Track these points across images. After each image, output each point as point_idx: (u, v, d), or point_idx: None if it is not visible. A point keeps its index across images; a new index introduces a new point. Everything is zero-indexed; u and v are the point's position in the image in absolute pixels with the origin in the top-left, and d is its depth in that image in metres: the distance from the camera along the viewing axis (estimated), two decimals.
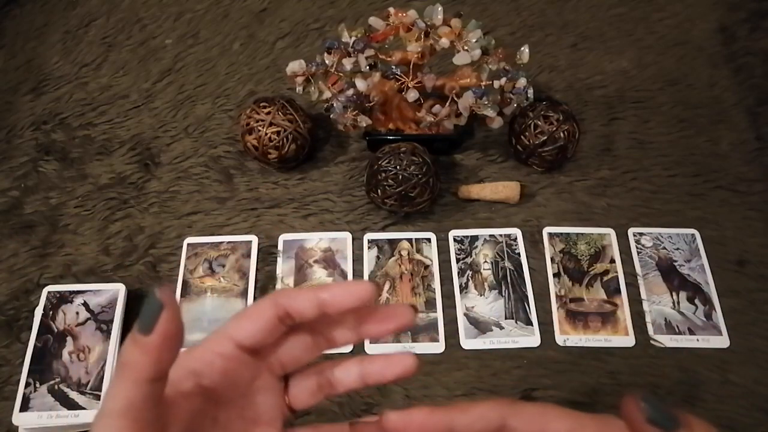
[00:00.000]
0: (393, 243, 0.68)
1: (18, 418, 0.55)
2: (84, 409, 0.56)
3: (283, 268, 0.66)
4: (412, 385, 0.59)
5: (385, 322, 0.31)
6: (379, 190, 0.65)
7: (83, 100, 0.80)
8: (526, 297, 0.64)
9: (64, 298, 0.62)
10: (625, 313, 0.63)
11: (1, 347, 0.62)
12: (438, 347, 0.62)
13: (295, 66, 0.65)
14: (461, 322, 0.63)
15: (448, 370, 0.60)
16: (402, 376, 0.31)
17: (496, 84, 0.64)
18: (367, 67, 0.63)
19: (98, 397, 0.56)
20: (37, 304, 0.62)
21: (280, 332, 0.30)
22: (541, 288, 0.65)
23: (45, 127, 0.78)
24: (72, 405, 0.56)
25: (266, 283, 0.65)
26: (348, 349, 0.61)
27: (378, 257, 0.67)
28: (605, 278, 0.65)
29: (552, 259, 0.66)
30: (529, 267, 0.66)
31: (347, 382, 0.32)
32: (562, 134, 0.68)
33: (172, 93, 0.81)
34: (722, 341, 0.62)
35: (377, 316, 0.31)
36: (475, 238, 0.68)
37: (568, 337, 0.62)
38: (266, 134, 0.67)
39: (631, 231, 0.68)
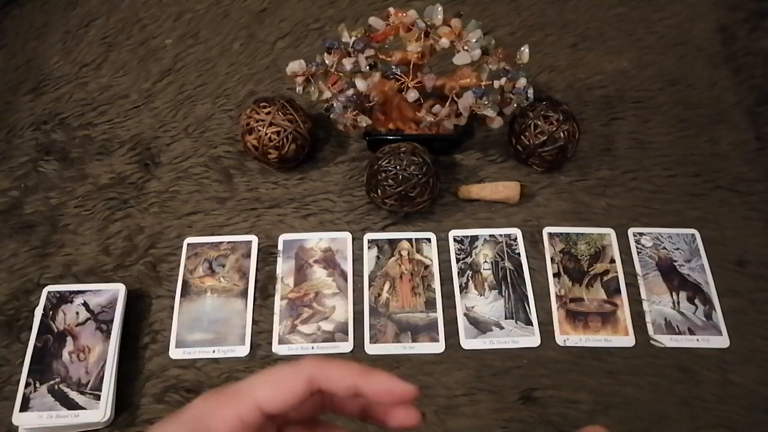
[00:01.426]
0: (393, 243, 0.68)
1: (18, 418, 0.55)
2: (84, 409, 0.56)
3: (283, 268, 0.66)
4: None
5: (391, 419, 0.30)
6: (379, 190, 0.65)
7: (83, 100, 0.80)
8: (526, 297, 0.64)
9: (64, 298, 0.62)
10: (625, 313, 0.63)
11: (1, 347, 0.62)
12: (438, 347, 0.62)
13: (295, 66, 0.65)
14: (461, 322, 0.63)
15: (448, 370, 0.60)
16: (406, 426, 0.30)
17: (496, 84, 0.64)
18: (367, 67, 0.63)
19: (98, 397, 0.56)
20: (37, 304, 0.62)
21: (303, 404, 0.28)
22: (541, 288, 0.65)
23: (45, 127, 0.78)
24: (72, 405, 0.56)
25: (266, 283, 0.65)
26: (349, 348, 0.61)
27: (378, 257, 0.67)
28: (605, 278, 0.65)
29: (552, 259, 0.66)
30: (529, 267, 0.66)
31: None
32: (562, 134, 0.68)
33: (172, 93, 0.81)
34: (722, 341, 0.62)
35: (389, 412, 0.30)
36: (475, 238, 0.68)
37: (568, 337, 0.62)
38: (266, 134, 0.67)
39: (631, 231, 0.68)
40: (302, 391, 0.27)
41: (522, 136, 0.69)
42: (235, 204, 0.71)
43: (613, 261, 0.66)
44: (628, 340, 0.62)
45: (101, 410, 0.56)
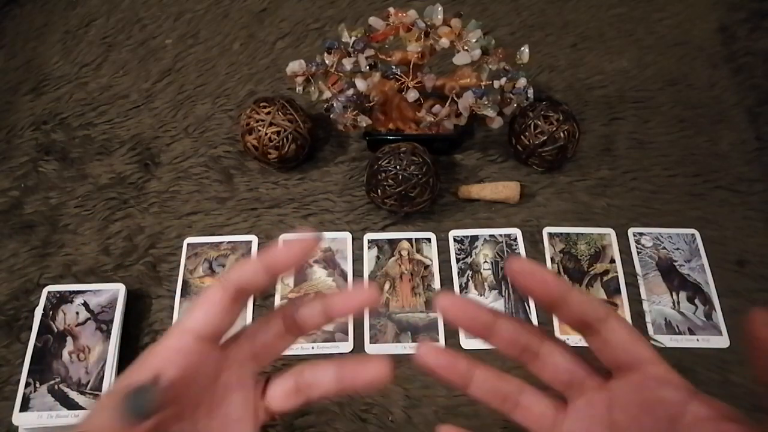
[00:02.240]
0: (393, 243, 0.68)
1: (18, 418, 0.55)
2: (84, 409, 0.56)
3: None
4: (413, 385, 0.59)
5: (349, 303, 0.31)
6: (379, 190, 0.65)
7: (83, 100, 0.80)
8: (526, 297, 0.64)
9: (64, 298, 0.62)
10: (625, 313, 0.63)
11: (1, 347, 0.62)
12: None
13: (295, 66, 0.65)
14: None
15: None
16: (376, 381, 0.31)
17: (496, 84, 0.64)
18: (367, 67, 0.63)
19: (98, 397, 0.56)
20: (37, 304, 0.62)
21: (237, 313, 0.30)
22: None
23: (45, 127, 0.78)
24: (72, 405, 0.56)
25: None
26: (349, 348, 0.61)
27: (378, 257, 0.67)
28: (605, 278, 0.65)
29: (552, 259, 0.66)
30: None
31: (323, 384, 0.32)
32: (562, 134, 0.68)
33: (172, 93, 0.81)
34: (722, 341, 0.62)
35: (342, 296, 0.31)
36: (475, 238, 0.68)
37: (569, 337, 0.62)
38: (266, 134, 0.67)
39: (631, 231, 0.68)
40: (219, 298, 0.29)
41: (522, 136, 0.69)
42: (235, 204, 0.71)
43: (613, 261, 0.66)
44: None
45: None
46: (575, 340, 0.62)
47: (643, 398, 0.27)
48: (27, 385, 0.57)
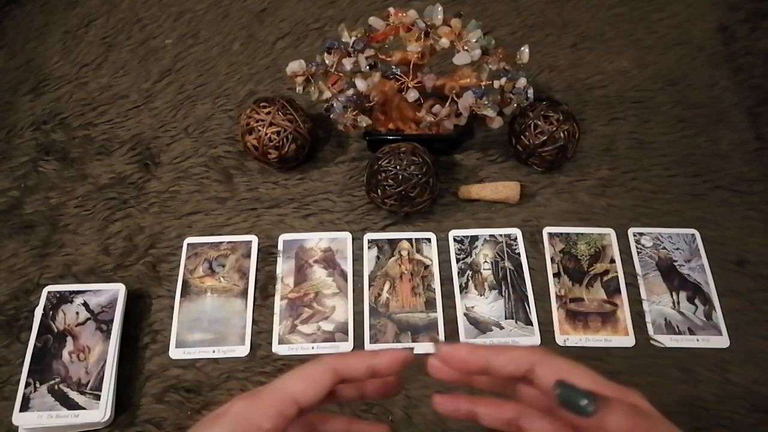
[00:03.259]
0: (393, 243, 0.68)
1: (18, 418, 0.55)
2: (84, 409, 0.56)
3: (283, 268, 0.66)
4: (413, 385, 0.59)
5: (379, 390, 0.36)
6: (379, 190, 0.65)
7: (83, 100, 0.80)
8: (526, 297, 0.64)
9: (64, 298, 0.62)
10: (625, 313, 0.63)
11: (1, 347, 0.62)
12: None
13: (295, 66, 0.65)
14: (461, 322, 0.63)
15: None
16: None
17: (496, 84, 0.64)
18: (367, 67, 0.63)
19: (98, 397, 0.56)
20: (37, 304, 0.62)
21: (326, 394, 0.32)
22: (541, 288, 0.65)
23: (45, 127, 0.78)
24: (72, 405, 0.56)
25: (266, 283, 0.65)
26: (349, 347, 0.61)
27: (378, 257, 0.67)
28: (605, 278, 0.65)
29: (552, 259, 0.66)
30: (529, 267, 0.66)
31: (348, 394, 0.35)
32: (562, 134, 0.68)
33: (172, 93, 0.81)
34: (722, 341, 0.62)
35: (377, 384, 0.36)
36: (475, 238, 0.68)
37: (568, 337, 0.62)
38: (266, 134, 0.67)
39: (631, 231, 0.68)
40: (330, 382, 0.31)
41: (522, 136, 0.69)
42: (235, 204, 0.71)
43: (613, 261, 0.66)
44: (628, 340, 0.62)
45: (101, 410, 0.56)
46: (575, 339, 0.62)
47: None
48: (27, 385, 0.57)
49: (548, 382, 0.28)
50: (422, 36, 0.63)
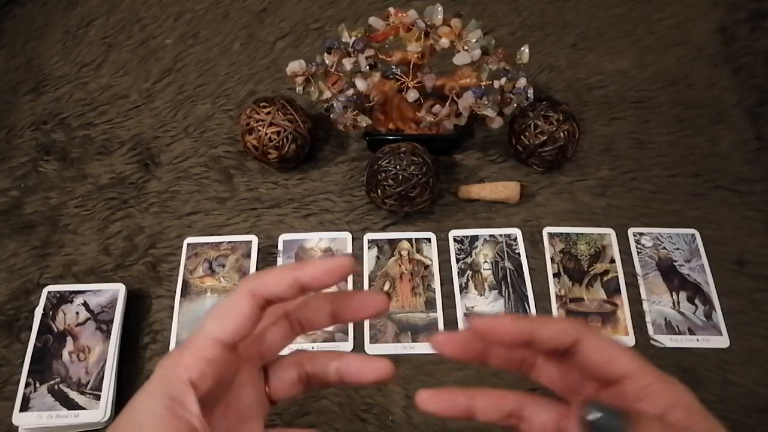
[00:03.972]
0: (393, 243, 0.68)
1: (18, 418, 0.55)
2: (84, 409, 0.56)
3: None
4: (413, 385, 0.59)
5: (359, 311, 0.31)
6: (379, 190, 0.65)
7: (83, 100, 0.80)
8: (526, 297, 0.64)
9: (64, 298, 0.62)
10: (625, 313, 0.63)
11: (1, 347, 0.62)
12: None
13: (295, 66, 0.65)
14: (461, 322, 0.63)
15: (448, 370, 0.60)
16: (378, 381, 0.32)
17: (496, 84, 0.64)
18: (367, 67, 0.63)
19: (98, 397, 0.56)
20: (37, 304, 0.62)
21: (258, 321, 0.29)
22: (541, 288, 0.65)
23: (45, 127, 0.78)
24: (72, 405, 0.56)
25: None
26: (349, 347, 0.61)
27: (378, 257, 0.67)
28: (605, 278, 0.65)
29: (552, 259, 0.66)
30: (529, 267, 0.66)
31: (325, 377, 0.32)
32: (562, 134, 0.68)
33: (172, 93, 0.81)
34: (722, 341, 0.62)
35: (352, 303, 0.31)
36: (475, 238, 0.68)
37: None
38: (266, 134, 0.67)
39: (631, 231, 0.68)
40: (249, 308, 0.28)
41: (522, 136, 0.69)
42: (235, 204, 0.71)
43: (613, 261, 0.66)
44: (628, 340, 0.62)
45: (101, 410, 0.56)
46: None
47: None
48: (27, 385, 0.57)
49: (594, 358, 0.28)
50: (422, 36, 0.63)
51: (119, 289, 0.62)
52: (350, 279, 0.65)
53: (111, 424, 0.27)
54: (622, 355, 0.28)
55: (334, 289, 0.33)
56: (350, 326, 0.63)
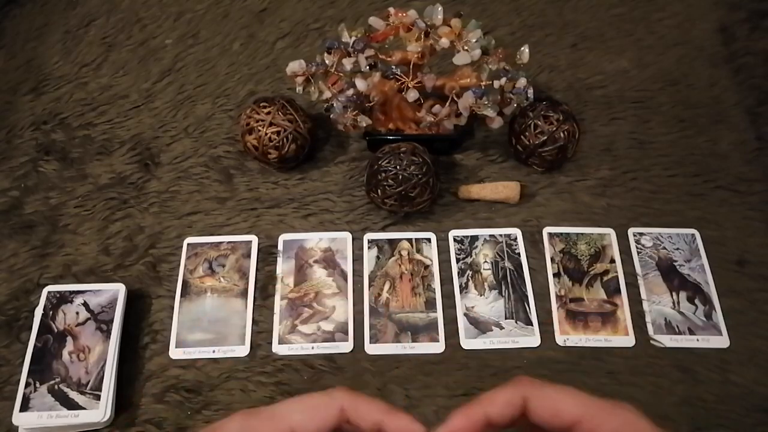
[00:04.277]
0: (393, 243, 0.68)
1: (18, 418, 0.55)
2: (84, 409, 0.56)
3: (283, 268, 0.66)
4: (412, 385, 0.59)
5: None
6: (379, 190, 0.65)
7: (83, 100, 0.80)
8: (526, 297, 0.64)
9: (64, 298, 0.62)
10: (625, 313, 0.63)
11: (1, 347, 0.62)
12: (438, 347, 0.62)
13: (295, 66, 0.65)
14: (461, 322, 0.63)
15: (448, 370, 0.60)
16: None
17: (496, 84, 0.64)
18: (367, 67, 0.63)
19: (98, 397, 0.56)
20: (37, 304, 0.62)
21: None
22: (541, 288, 0.65)
23: (45, 127, 0.78)
24: (72, 405, 0.56)
25: (266, 283, 0.65)
26: (349, 348, 0.61)
27: (378, 257, 0.67)
28: (605, 278, 0.65)
29: (552, 259, 0.66)
30: (529, 267, 0.66)
31: None
32: (562, 134, 0.68)
33: (172, 93, 0.81)
34: (722, 341, 0.62)
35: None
36: (475, 238, 0.68)
37: (568, 337, 0.62)
38: (266, 134, 0.67)
39: (631, 231, 0.68)
40: (334, 421, 0.29)
41: (522, 136, 0.69)
42: (235, 204, 0.71)
43: (613, 261, 0.66)
44: (628, 340, 0.62)
45: (101, 410, 0.56)
46: (575, 339, 0.62)
47: None
48: (27, 385, 0.57)
49: (541, 413, 0.28)
50: (422, 36, 0.63)
51: (119, 289, 0.62)
52: (350, 279, 0.65)
53: None
54: (565, 403, 0.28)
55: None
56: (350, 326, 0.63)
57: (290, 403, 0.29)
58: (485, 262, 0.66)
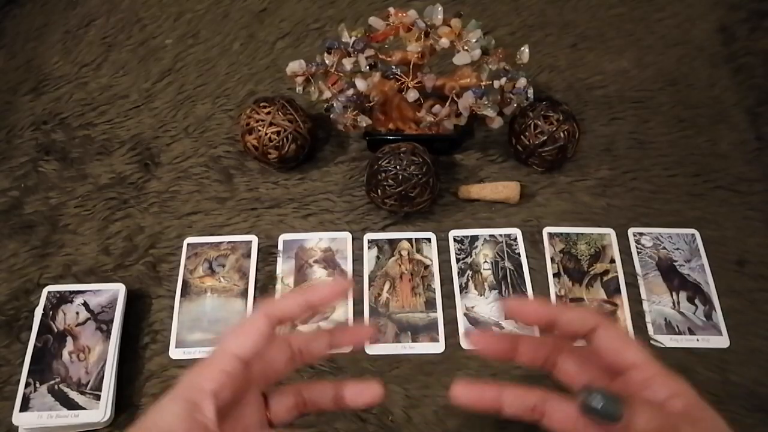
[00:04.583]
0: (393, 243, 0.68)
1: (18, 418, 0.55)
2: (84, 409, 0.56)
3: (283, 268, 0.66)
4: (412, 385, 0.59)
5: (353, 339, 0.40)
6: (379, 190, 0.65)
7: (83, 100, 0.80)
8: (527, 297, 0.64)
9: (64, 298, 0.62)
10: (625, 313, 0.63)
11: (1, 347, 0.62)
12: (438, 347, 0.62)
13: (295, 66, 0.65)
14: (461, 322, 0.63)
15: (448, 370, 0.60)
16: (371, 404, 0.37)
17: (496, 84, 0.64)
18: (367, 67, 0.63)
19: (98, 397, 0.56)
20: (37, 304, 0.62)
21: (271, 339, 0.33)
22: (541, 288, 0.65)
23: (45, 127, 0.78)
24: (72, 405, 0.56)
25: (266, 283, 0.65)
26: (348, 348, 0.61)
27: (378, 257, 0.67)
28: (605, 278, 0.65)
29: (552, 259, 0.66)
30: (529, 267, 0.66)
31: (321, 403, 0.37)
32: (562, 134, 0.68)
33: (172, 93, 0.81)
34: (722, 341, 0.62)
35: (347, 335, 0.39)
36: (475, 238, 0.68)
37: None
38: (266, 134, 0.67)
39: (631, 231, 0.68)
40: (265, 327, 0.33)
41: (522, 136, 0.69)
42: (235, 204, 0.71)
43: (613, 261, 0.66)
44: None
45: (101, 410, 0.56)
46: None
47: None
48: (27, 385, 0.57)
49: (606, 346, 0.31)
50: (422, 36, 0.63)
51: (119, 289, 0.62)
52: (350, 278, 0.65)
53: (131, 426, 0.30)
54: (631, 346, 0.31)
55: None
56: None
57: (224, 336, 0.33)
58: (485, 262, 0.66)
